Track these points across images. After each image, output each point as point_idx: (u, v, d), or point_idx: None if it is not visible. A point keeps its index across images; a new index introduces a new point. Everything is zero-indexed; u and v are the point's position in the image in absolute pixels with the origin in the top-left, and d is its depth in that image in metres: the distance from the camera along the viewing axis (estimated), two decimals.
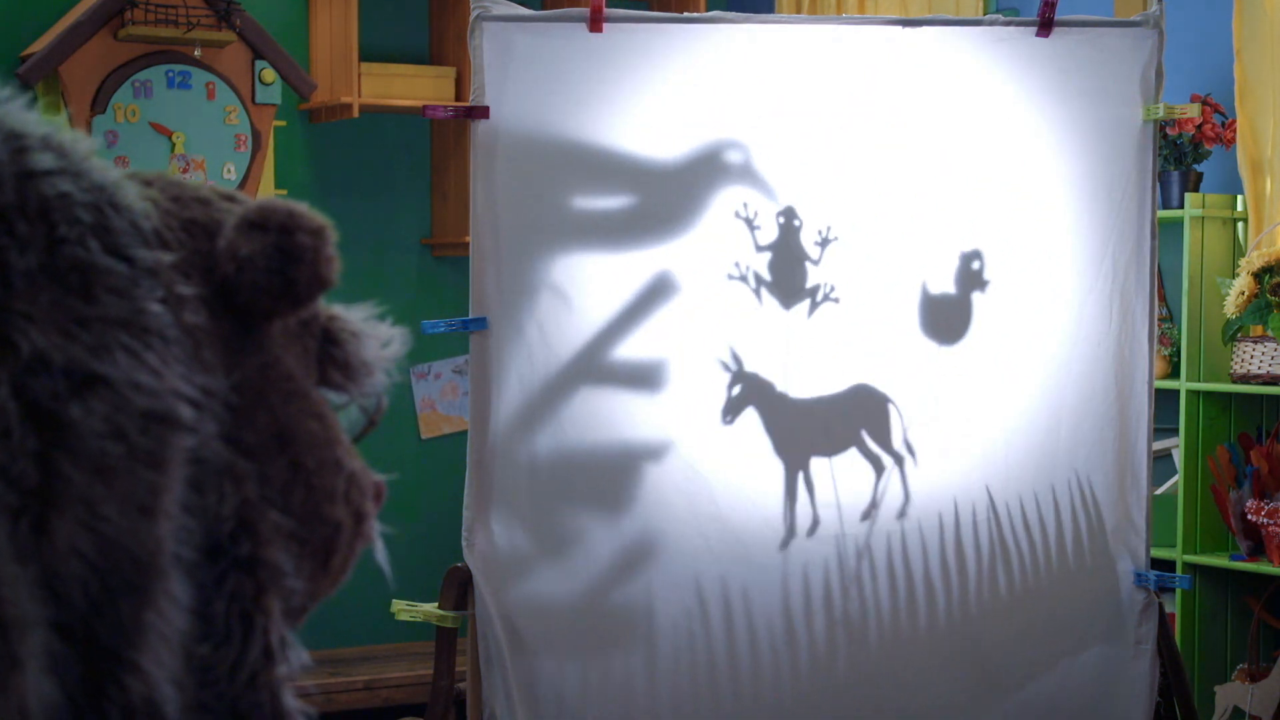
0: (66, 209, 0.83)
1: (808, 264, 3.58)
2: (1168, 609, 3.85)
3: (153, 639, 0.80)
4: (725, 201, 3.56)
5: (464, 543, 3.47)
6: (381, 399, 1.02)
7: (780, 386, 3.57)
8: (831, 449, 3.61)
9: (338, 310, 0.99)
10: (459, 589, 3.46)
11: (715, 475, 3.55)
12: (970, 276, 3.65)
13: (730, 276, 3.54)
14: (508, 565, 3.48)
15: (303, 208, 0.90)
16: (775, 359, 3.58)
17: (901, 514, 3.62)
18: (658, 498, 3.54)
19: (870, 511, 3.62)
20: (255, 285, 0.88)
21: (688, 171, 3.54)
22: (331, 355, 0.97)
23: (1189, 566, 4.41)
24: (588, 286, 3.51)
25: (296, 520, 0.90)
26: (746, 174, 3.56)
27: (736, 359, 3.55)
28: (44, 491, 0.77)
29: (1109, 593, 3.71)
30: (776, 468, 3.58)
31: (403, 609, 3.52)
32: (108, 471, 0.79)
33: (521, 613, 3.48)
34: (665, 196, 3.53)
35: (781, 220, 3.57)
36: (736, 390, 3.55)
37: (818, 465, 3.60)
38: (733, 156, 3.56)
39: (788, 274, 3.57)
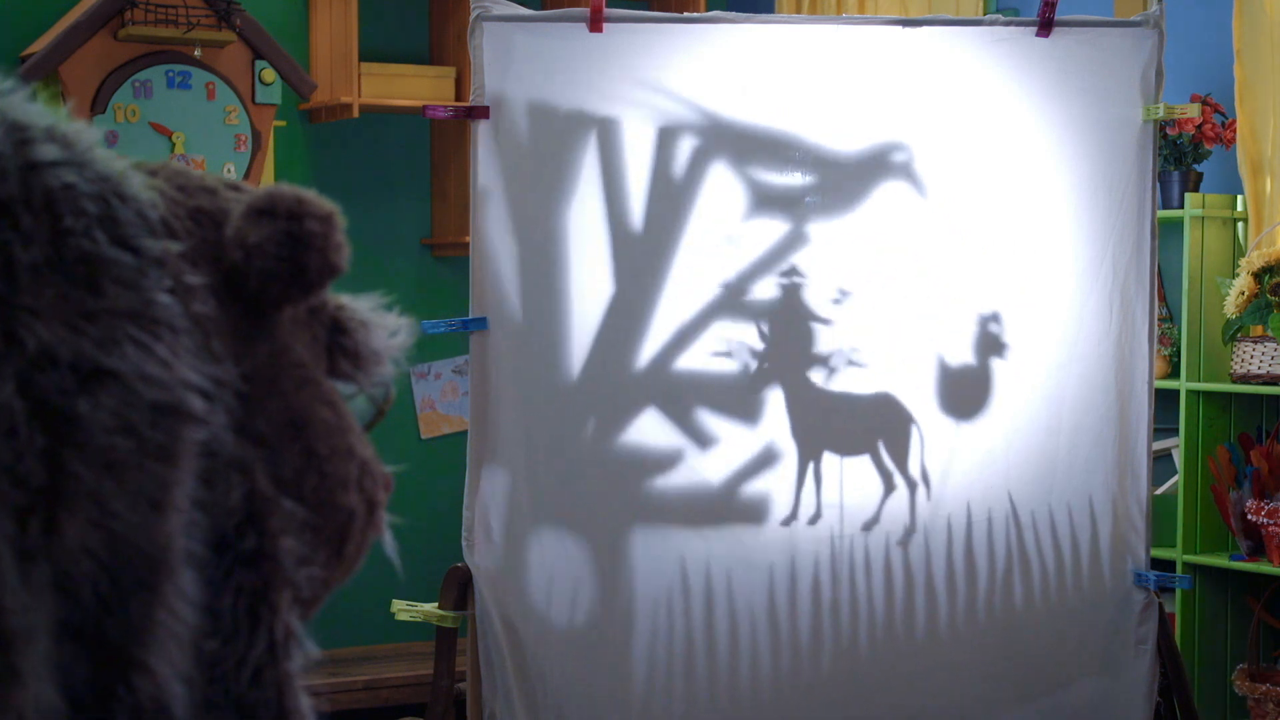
0: (72, 200, 0.82)
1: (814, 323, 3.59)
2: (1168, 609, 3.85)
3: (162, 637, 0.79)
4: (715, 203, 3.56)
5: (464, 543, 3.47)
6: (390, 388, 1.01)
7: (807, 371, 3.58)
8: (846, 449, 3.61)
9: (345, 300, 0.98)
10: (459, 589, 3.46)
11: (716, 475, 3.55)
12: (989, 342, 3.65)
13: (715, 353, 3.54)
14: (508, 565, 3.48)
15: (310, 194, 0.90)
16: (804, 350, 3.59)
17: (903, 540, 3.62)
18: (659, 498, 3.54)
19: (872, 525, 3.62)
20: (264, 272, 0.87)
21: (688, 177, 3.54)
22: (340, 344, 0.96)
23: (1189, 566, 4.41)
24: (588, 286, 3.51)
25: (310, 508, 0.89)
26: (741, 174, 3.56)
27: (765, 336, 3.56)
28: (53, 489, 0.76)
29: (1109, 593, 3.71)
30: (790, 449, 3.58)
31: (403, 609, 3.52)
32: (117, 467, 0.78)
33: (521, 613, 3.48)
34: (668, 196, 3.53)
35: (784, 282, 3.57)
36: (766, 365, 3.56)
37: (829, 461, 3.60)
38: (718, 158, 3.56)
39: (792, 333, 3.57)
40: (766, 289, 3.56)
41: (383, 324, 0.99)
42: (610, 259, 3.52)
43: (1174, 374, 4.53)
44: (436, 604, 3.49)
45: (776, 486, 3.58)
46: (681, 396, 3.54)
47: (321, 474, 0.90)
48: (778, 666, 3.59)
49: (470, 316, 3.48)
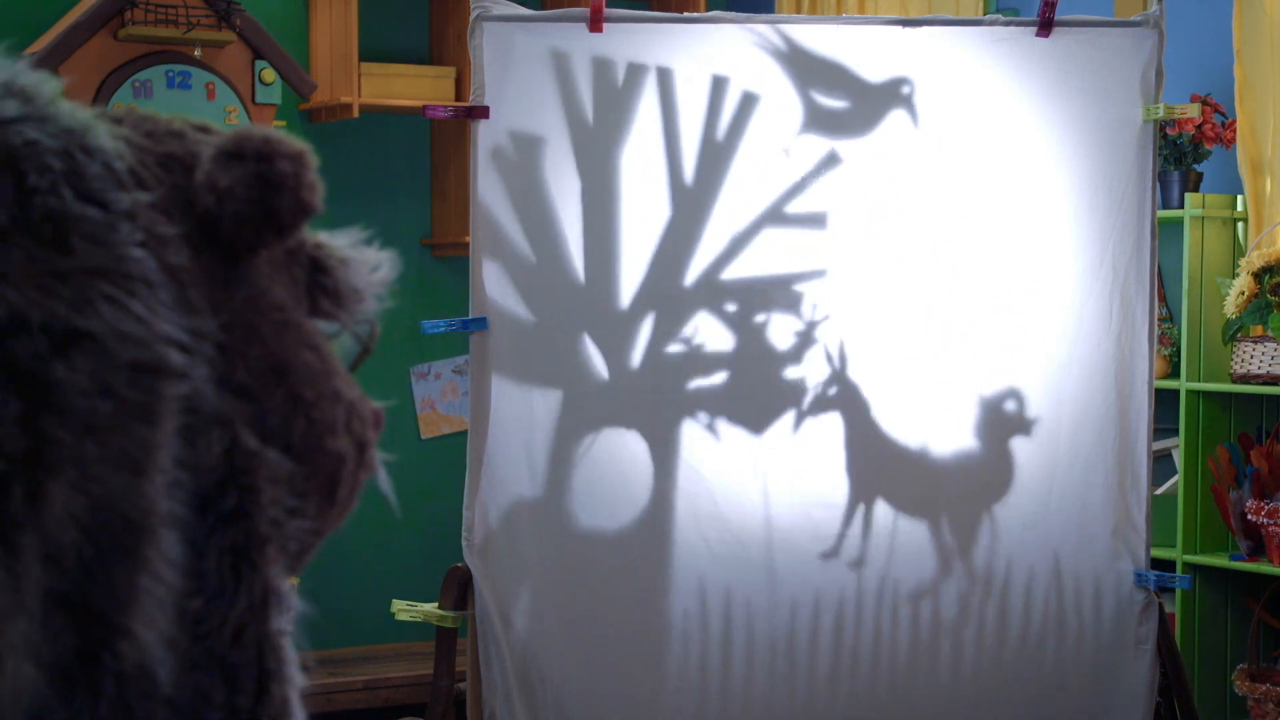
0: (35, 157, 0.79)
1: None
2: (1168, 609, 3.85)
3: (146, 601, 0.77)
4: (728, 200, 3.56)
5: (464, 543, 3.47)
6: (375, 325, 0.98)
7: (874, 411, 3.57)
8: (903, 505, 3.60)
9: (324, 237, 0.95)
10: (459, 589, 3.46)
11: (715, 477, 3.55)
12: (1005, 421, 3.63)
13: (685, 418, 3.53)
14: (508, 565, 3.48)
15: (280, 133, 0.87)
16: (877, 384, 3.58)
17: (954, 630, 3.61)
18: (659, 498, 3.54)
19: (920, 598, 3.61)
20: (237, 217, 0.85)
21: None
22: (320, 284, 0.93)
23: (1189, 566, 4.41)
24: (588, 286, 3.51)
25: (298, 455, 0.87)
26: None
27: (843, 358, 3.55)
28: (33, 456, 0.74)
29: (1109, 593, 3.71)
30: (841, 483, 3.57)
31: (403, 609, 3.52)
32: (98, 430, 0.76)
33: (521, 613, 3.48)
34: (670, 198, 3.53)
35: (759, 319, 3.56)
36: (832, 391, 3.55)
37: (882, 510, 3.58)
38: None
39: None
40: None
41: (363, 260, 0.96)
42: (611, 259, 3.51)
43: (1174, 374, 4.53)
44: (436, 604, 3.49)
45: (824, 516, 3.57)
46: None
47: (309, 420, 0.88)
48: (793, 682, 3.58)
49: (470, 316, 3.48)
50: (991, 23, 3.71)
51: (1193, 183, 4.60)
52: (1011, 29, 3.67)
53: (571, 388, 3.50)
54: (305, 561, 0.90)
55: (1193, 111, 3.91)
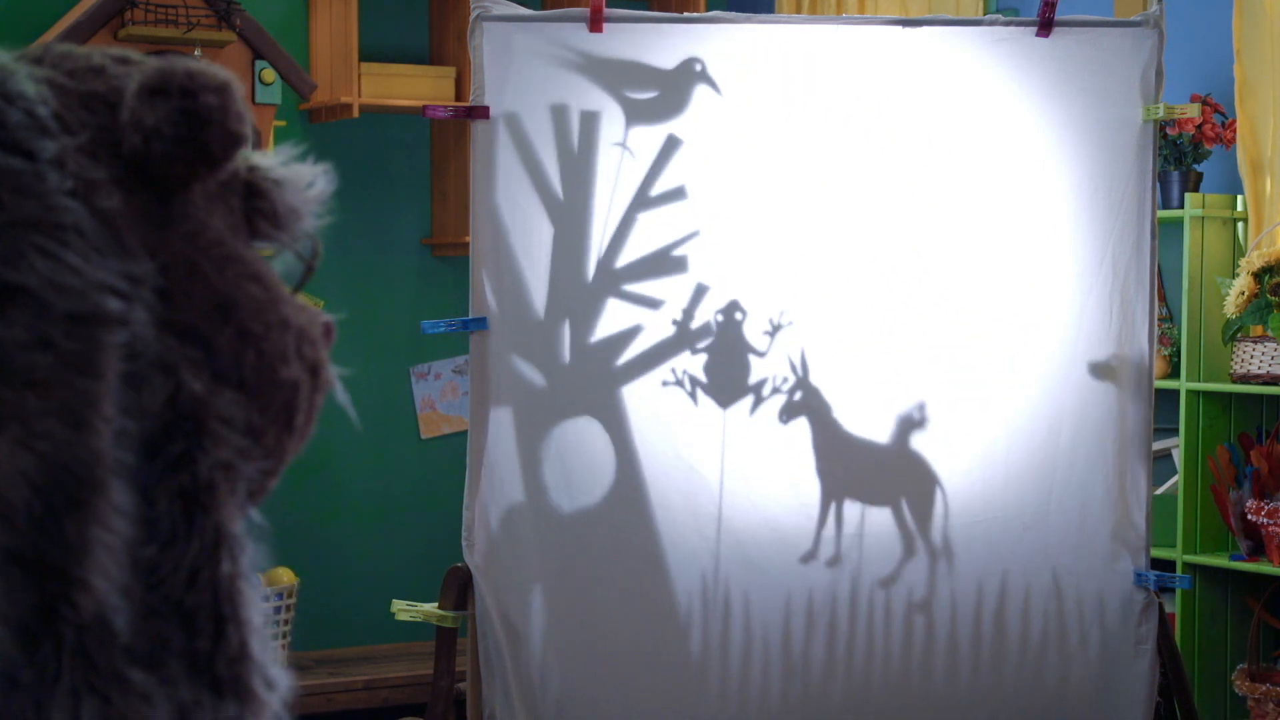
0: None
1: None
2: (1168, 609, 3.85)
3: (99, 552, 0.77)
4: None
5: (464, 543, 3.47)
6: (316, 242, 0.97)
7: (837, 412, 3.57)
8: (869, 498, 3.61)
9: (256, 159, 0.93)
10: (459, 589, 3.46)
11: (717, 478, 3.55)
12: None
13: (665, 383, 3.53)
14: (508, 565, 3.48)
15: (203, 65, 0.85)
16: (835, 387, 3.59)
17: (923, 606, 3.62)
18: (659, 499, 3.54)
19: (889, 583, 3.61)
20: (166, 154, 0.83)
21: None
22: (257, 208, 0.91)
23: (1189, 566, 4.41)
24: (588, 286, 3.51)
25: (252, 390, 0.86)
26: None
27: (804, 365, 3.56)
28: None
29: (1109, 593, 3.71)
30: (813, 485, 3.58)
31: (403, 609, 3.52)
32: (39, 385, 0.75)
33: (521, 613, 3.48)
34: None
35: (722, 315, 3.56)
36: (797, 397, 3.56)
37: (851, 507, 3.60)
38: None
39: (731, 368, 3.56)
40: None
41: (297, 177, 0.94)
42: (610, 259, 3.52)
43: (1174, 374, 4.53)
44: (436, 604, 3.49)
45: (799, 523, 3.58)
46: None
47: (259, 353, 0.86)
48: (782, 677, 3.59)
49: (470, 316, 3.48)
50: (991, 23, 3.71)
51: (1193, 183, 4.60)
52: (1011, 29, 3.67)
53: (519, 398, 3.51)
54: (267, 491, 0.90)
55: (1193, 111, 3.91)
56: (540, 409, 3.51)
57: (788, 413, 3.57)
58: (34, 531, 0.75)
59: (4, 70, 0.82)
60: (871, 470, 3.60)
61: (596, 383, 3.53)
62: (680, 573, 3.55)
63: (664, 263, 3.55)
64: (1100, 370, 3.70)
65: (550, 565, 3.51)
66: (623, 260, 3.54)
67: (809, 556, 3.58)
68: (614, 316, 3.52)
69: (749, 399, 3.57)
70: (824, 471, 3.57)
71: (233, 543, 0.84)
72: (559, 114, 3.49)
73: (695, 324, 3.55)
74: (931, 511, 3.60)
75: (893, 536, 3.60)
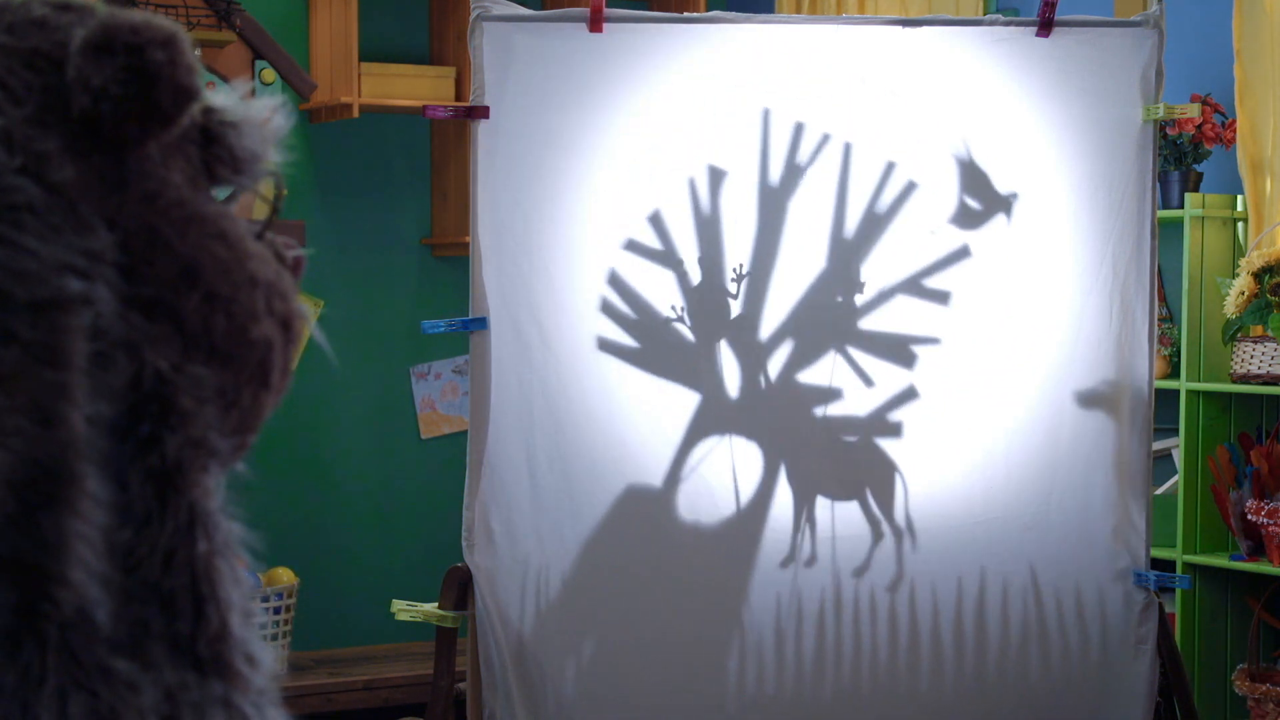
0: None
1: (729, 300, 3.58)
2: (1168, 609, 3.85)
3: (77, 545, 0.74)
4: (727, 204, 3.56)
5: (464, 543, 3.47)
6: (279, 179, 0.93)
7: (804, 416, 3.59)
8: (837, 495, 3.61)
9: (212, 102, 0.88)
10: (459, 589, 3.46)
11: (717, 479, 3.55)
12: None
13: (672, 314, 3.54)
14: (508, 565, 3.48)
15: (148, 17, 0.81)
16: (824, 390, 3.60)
17: (892, 588, 3.63)
18: (659, 499, 3.54)
19: (862, 571, 3.62)
20: (116, 114, 0.79)
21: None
22: (216, 154, 0.87)
23: (1189, 566, 4.41)
24: (588, 287, 3.51)
25: (224, 354, 0.83)
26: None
27: (767, 378, 3.57)
28: None
29: (1109, 593, 3.71)
30: (786, 491, 3.59)
31: (403, 609, 3.52)
32: (6, 380, 0.72)
33: (521, 613, 3.48)
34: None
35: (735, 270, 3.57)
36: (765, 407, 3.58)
37: (822, 505, 3.60)
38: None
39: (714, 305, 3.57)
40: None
41: (253, 117, 0.90)
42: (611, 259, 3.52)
43: (1174, 374, 4.53)
44: (436, 604, 3.49)
45: (772, 531, 3.59)
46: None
47: (228, 315, 0.83)
48: (777, 677, 3.59)
49: (470, 316, 3.48)
50: (991, 23, 3.71)
51: (1193, 183, 4.60)
52: (1011, 29, 3.67)
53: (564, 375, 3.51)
54: (245, 449, 0.87)
55: (1193, 111, 3.91)
56: (540, 408, 3.51)
57: (751, 426, 3.59)
58: (10, 530, 0.73)
59: None
60: (837, 466, 3.61)
61: (599, 381, 3.53)
62: (681, 573, 3.55)
63: (665, 258, 3.55)
64: (1100, 370, 3.69)
65: (551, 566, 3.51)
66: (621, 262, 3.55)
67: (787, 562, 3.59)
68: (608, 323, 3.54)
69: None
70: (794, 475, 3.58)
71: (208, 520, 0.82)
72: (559, 114, 3.49)
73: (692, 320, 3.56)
74: (894, 499, 3.62)
75: (863, 527, 3.62)
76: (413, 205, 5.31)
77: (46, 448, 0.74)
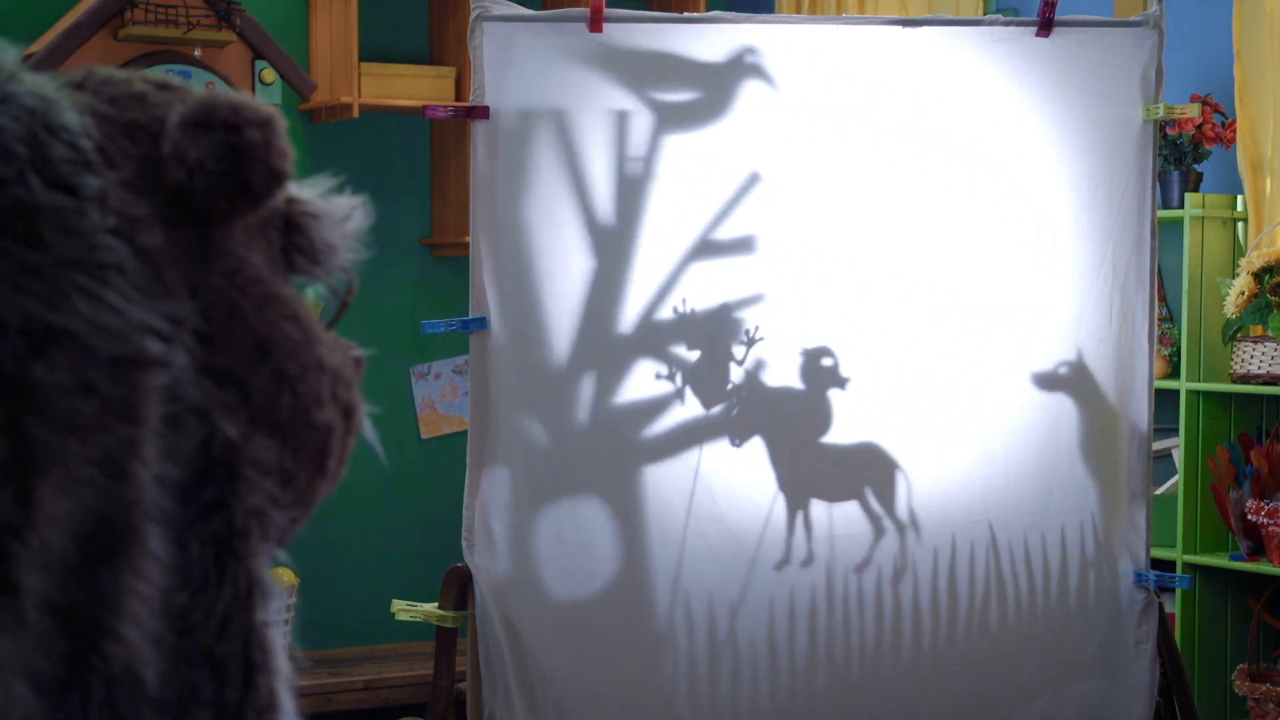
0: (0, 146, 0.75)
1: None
2: (1168, 609, 3.85)
3: (132, 601, 0.75)
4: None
5: (464, 543, 3.47)
6: (352, 276, 0.95)
7: (788, 423, 3.59)
8: (833, 496, 3.61)
9: (295, 192, 0.91)
10: (459, 589, 3.46)
11: (718, 480, 3.55)
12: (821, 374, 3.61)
13: (659, 376, 3.53)
14: (508, 565, 3.48)
15: (247, 98, 0.84)
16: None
17: (897, 579, 3.62)
18: (659, 500, 3.54)
19: (864, 566, 3.62)
20: (209, 190, 0.81)
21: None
22: (295, 242, 0.90)
23: (1189, 566, 4.41)
24: (588, 287, 3.51)
25: (286, 432, 0.84)
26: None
27: (743, 390, 3.56)
28: (19, 461, 0.72)
29: (1109, 593, 3.71)
30: (779, 497, 3.59)
31: (403, 609, 3.52)
32: (81, 429, 0.74)
33: (521, 613, 3.48)
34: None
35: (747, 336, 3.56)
36: (746, 415, 3.56)
37: (818, 507, 3.60)
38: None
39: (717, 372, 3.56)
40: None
41: (334, 211, 0.92)
42: (592, 251, 3.52)
43: (1174, 374, 4.53)
44: (436, 604, 3.49)
45: (769, 533, 3.59)
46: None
47: (294, 394, 0.85)
48: (771, 676, 3.59)
49: (470, 316, 3.48)
50: (991, 23, 3.71)
51: (1193, 183, 4.60)
52: (1011, 29, 3.67)
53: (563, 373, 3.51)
54: (297, 530, 0.88)
55: (1193, 111, 3.91)
56: (539, 409, 3.51)
57: (740, 435, 3.57)
58: (69, 580, 0.73)
59: (46, 100, 0.79)
60: (832, 469, 3.61)
61: (595, 366, 3.54)
62: (681, 574, 3.55)
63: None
64: (1100, 370, 3.69)
65: (550, 566, 3.51)
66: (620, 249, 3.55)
67: (782, 564, 3.59)
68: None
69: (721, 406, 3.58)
70: (785, 481, 3.58)
71: (263, 590, 0.83)
72: (559, 114, 3.49)
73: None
74: (894, 495, 3.62)
75: (863, 525, 3.61)
76: (413, 205, 5.31)
77: (114, 502, 0.75)
